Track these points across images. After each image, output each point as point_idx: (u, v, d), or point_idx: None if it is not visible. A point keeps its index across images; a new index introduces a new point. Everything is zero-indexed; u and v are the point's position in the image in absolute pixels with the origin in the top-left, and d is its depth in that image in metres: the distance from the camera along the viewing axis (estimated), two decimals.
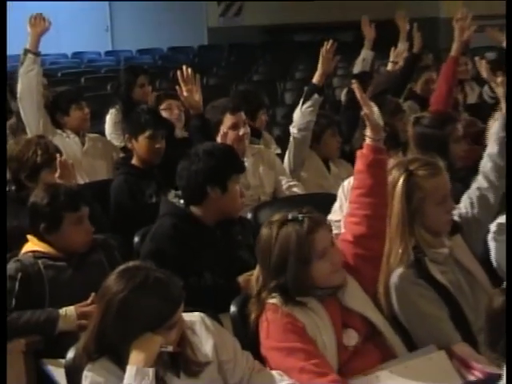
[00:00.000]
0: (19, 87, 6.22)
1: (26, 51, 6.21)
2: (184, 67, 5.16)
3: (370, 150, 3.46)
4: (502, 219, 4.03)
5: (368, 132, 3.48)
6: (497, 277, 3.93)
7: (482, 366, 3.17)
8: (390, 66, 8.02)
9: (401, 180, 3.59)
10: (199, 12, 17.30)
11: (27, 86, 6.15)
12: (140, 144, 5.46)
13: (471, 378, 3.13)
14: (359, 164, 3.51)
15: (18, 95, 6.27)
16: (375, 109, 3.50)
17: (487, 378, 3.01)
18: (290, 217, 3.31)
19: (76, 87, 7.57)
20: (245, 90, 7.61)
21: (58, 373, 3.47)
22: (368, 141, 3.47)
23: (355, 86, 3.60)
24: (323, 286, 3.32)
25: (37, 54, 6.21)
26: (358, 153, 3.52)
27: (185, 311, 3.08)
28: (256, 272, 3.41)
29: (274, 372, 3.19)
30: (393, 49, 8.03)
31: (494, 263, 4.04)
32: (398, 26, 8.57)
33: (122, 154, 6.25)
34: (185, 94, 5.12)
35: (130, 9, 16.89)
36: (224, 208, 4.18)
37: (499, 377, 2.62)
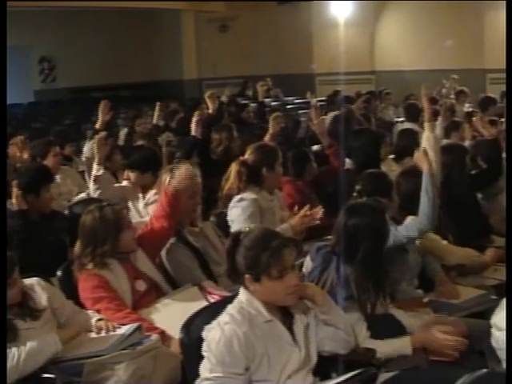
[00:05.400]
0: None
1: None
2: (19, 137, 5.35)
3: None
4: None
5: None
6: None
7: (219, 292, 3.25)
8: None
9: (167, 180, 3.52)
10: (28, 79, 16.49)
11: None
12: None
13: (212, 300, 3.18)
14: None
15: None
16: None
17: (222, 299, 3.02)
18: (104, 203, 3.33)
19: None
20: (60, 130, 7.34)
21: None
22: None
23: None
24: (124, 251, 3.27)
25: None
26: None
27: (27, 277, 2.96)
28: (76, 247, 3.27)
29: (89, 311, 3.12)
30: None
31: None
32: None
33: None
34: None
35: None
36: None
37: (229, 297, 2.69)
